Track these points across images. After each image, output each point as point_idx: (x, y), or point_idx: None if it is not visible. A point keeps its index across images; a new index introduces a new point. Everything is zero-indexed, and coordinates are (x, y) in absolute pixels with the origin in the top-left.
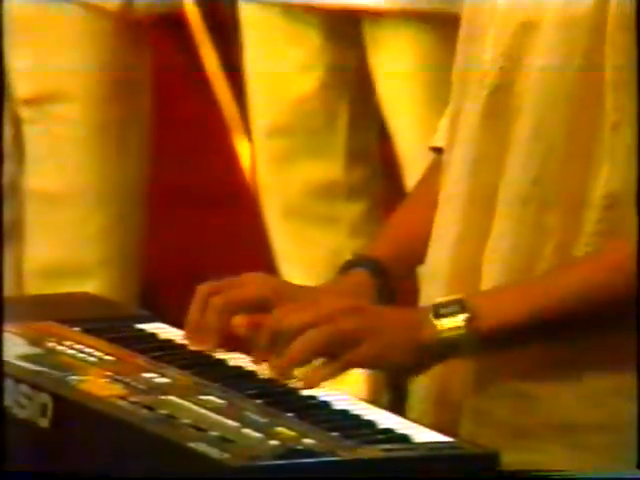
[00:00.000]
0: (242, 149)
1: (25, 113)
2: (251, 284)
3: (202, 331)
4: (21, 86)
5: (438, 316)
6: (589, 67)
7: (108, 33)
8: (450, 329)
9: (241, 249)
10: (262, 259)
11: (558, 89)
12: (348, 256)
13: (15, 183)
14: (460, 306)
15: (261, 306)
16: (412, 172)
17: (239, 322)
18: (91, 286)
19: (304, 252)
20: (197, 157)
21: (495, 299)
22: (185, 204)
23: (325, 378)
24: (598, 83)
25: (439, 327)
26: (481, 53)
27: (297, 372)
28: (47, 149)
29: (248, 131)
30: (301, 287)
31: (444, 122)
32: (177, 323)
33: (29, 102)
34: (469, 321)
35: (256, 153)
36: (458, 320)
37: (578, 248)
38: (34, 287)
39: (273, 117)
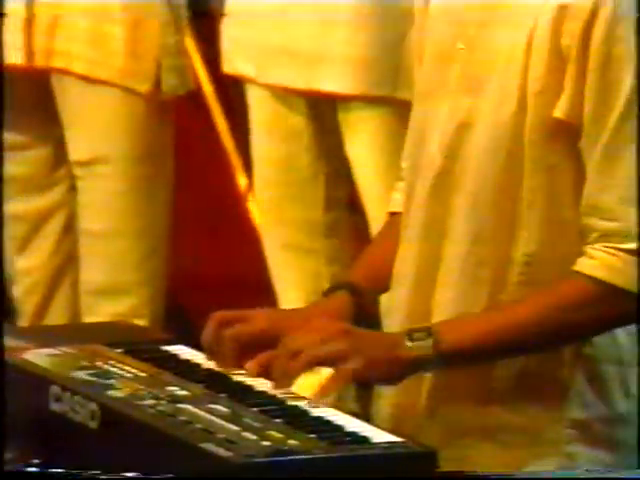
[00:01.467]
0: (248, 195)
1: (77, 172)
2: (258, 319)
3: (218, 356)
4: (74, 152)
5: (411, 340)
6: (512, 159)
7: (140, 109)
8: (420, 350)
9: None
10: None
11: (488, 174)
12: (326, 279)
13: (72, 223)
14: (428, 332)
15: (266, 339)
16: (375, 218)
17: (250, 366)
18: (128, 302)
19: (293, 275)
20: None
21: (456, 328)
22: (201, 234)
23: (325, 390)
24: (518, 171)
25: (411, 349)
26: (429, 144)
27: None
28: (93, 199)
29: (251, 182)
30: (297, 312)
31: (396, 194)
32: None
33: (80, 164)
34: (435, 344)
35: (257, 199)
36: (427, 344)
37: (506, 295)
38: (85, 303)
39: (270, 173)
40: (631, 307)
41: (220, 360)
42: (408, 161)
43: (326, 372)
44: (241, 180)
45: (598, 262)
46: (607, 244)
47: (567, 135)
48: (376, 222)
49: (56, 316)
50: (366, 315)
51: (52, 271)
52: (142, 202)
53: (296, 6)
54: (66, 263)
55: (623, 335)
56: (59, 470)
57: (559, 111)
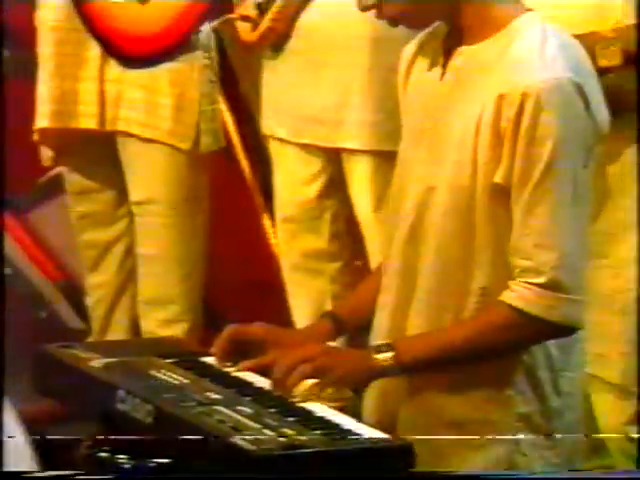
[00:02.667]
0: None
1: (134, 209)
2: (258, 327)
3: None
4: (132, 194)
5: (377, 353)
6: (467, 215)
7: (182, 162)
8: (383, 361)
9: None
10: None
11: (449, 227)
12: (329, 295)
13: (131, 249)
14: (389, 347)
15: (259, 343)
16: (372, 246)
17: (246, 365)
18: (173, 310)
19: (302, 292)
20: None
21: (411, 344)
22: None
23: (315, 393)
24: (472, 224)
25: (377, 360)
26: (405, 202)
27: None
28: (147, 230)
29: (273, 218)
30: (290, 331)
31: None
32: None
33: (137, 203)
34: (395, 357)
35: (277, 231)
36: (388, 356)
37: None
38: (141, 310)
39: (287, 211)
40: (541, 329)
41: (218, 355)
42: (390, 214)
43: (311, 381)
44: (265, 220)
45: (516, 294)
46: (524, 279)
47: (506, 195)
48: (373, 249)
49: (119, 320)
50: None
51: (116, 285)
52: (183, 233)
53: (316, 82)
54: (127, 279)
55: (554, 347)
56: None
57: (498, 177)
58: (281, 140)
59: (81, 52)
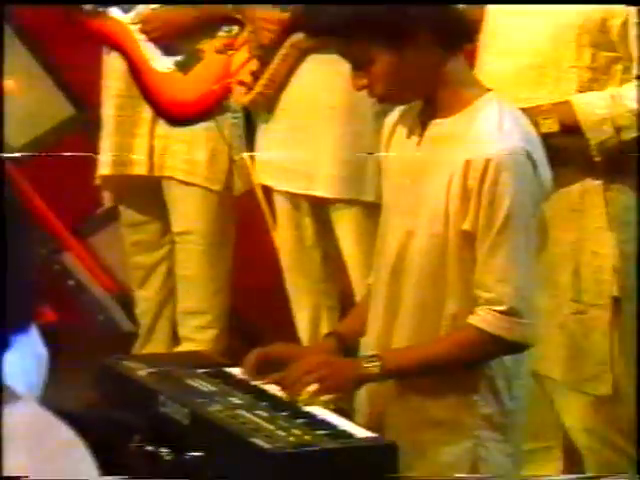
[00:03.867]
0: None
1: (175, 238)
2: (278, 346)
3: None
4: (173, 226)
5: (367, 362)
6: (440, 256)
7: (215, 201)
8: (372, 369)
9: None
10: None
11: (425, 266)
12: (324, 308)
13: (172, 270)
14: (377, 357)
15: (279, 360)
16: (354, 275)
17: (269, 379)
18: (205, 319)
19: (302, 304)
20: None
21: (395, 355)
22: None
23: (317, 397)
24: (444, 264)
25: (366, 368)
26: (389, 244)
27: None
28: (184, 255)
29: None
30: (302, 348)
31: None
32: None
33: (177, 234)
34: (381, 366)
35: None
36: (376, 365)
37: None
38: (179, 319)
39: (287, 246)
40: (501, 347)
41: (247, 372)
42: (376, 254)
43: (313, 387)
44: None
45: (481, 318)
46: (487, 307)
47: (471, 240)
48: (355, 277)
49: (161, 327)
50: (346, 353)
51: (159, 299)
52: (214, 258)
53: (296, 140)
54: (168, 294)
55: (509, 360)
56: None
57: (466, 225)
58: (270, 189)
59: (136, 114)
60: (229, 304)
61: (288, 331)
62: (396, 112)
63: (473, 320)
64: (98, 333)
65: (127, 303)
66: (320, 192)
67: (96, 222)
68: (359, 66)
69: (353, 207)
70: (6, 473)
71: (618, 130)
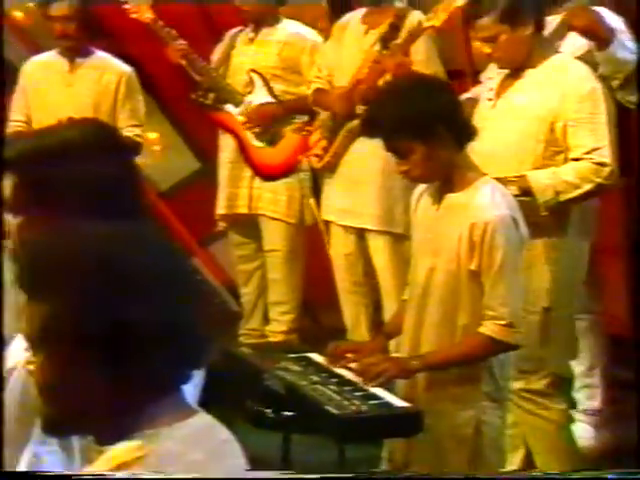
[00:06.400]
0: None
1: (266, 254)
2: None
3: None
4: (265, 245)
5: (412, 360)
6: (455, 286)
7: (293, 230)
8: (415, 365)
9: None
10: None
11: (445, 293)
12: (364, 306)
13: (265, 274)
14: (418, 357)
15: (354, 352)
16: (386, 293)
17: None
18: (286, 308)
19: (349, 303)
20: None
21: (430, 356)
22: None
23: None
24: (458, 292)
25: (412, 364)
26: (417, 276)
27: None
28: (272, 265)
29: None
30: (367, 343)
31: (405, 293)
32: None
33: (266, 251)
34: (421, 363)
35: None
36: (417, 362)
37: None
38: (269, 308)
39: (338, 263)
40: (500, 347)
41: (328, 358)
42: (409, 282)
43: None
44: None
45: (489, 329)
46: (493, 321)
47: (476, 276)
48: (384, 284)
49: (258, 312)
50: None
51: (256, 294)
52: (291, 267)
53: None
54: (262, 291)
55: (501, 355)
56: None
57: (472, 266)
58: (330, 222)
59: (240, 173)
60: (301, 297)
61: (338, 317)
62: (421, 186)
63: (483, 330)
64: (215, 311)
65: (235, 293)
66: (365, 225)
67: (213, 238)
68: (401, 157)
69: (386, 236)
70: (188, 469)
71: (557, 194)
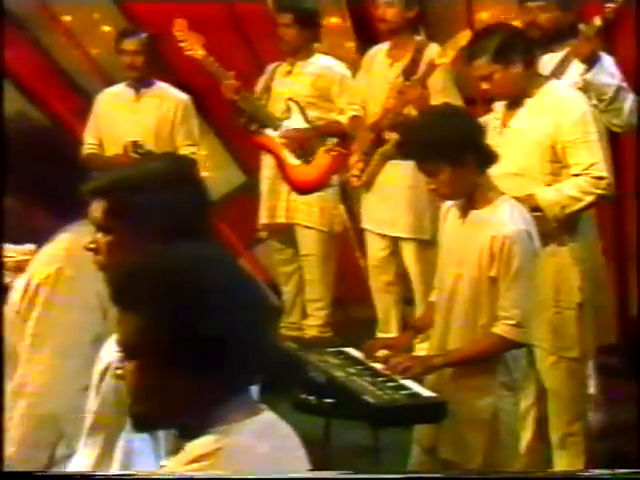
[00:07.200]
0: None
1: (301, 258)
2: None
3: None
4: (300, 250)
5: (436, 358)
6: (477, 291)
7: (325, 237)
8: (440, 362)
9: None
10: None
11: (468, 297)
12: (396, 304)
13: (302, 275)
14: (442, 355)
15: (388, 348)
16: (418, 291)
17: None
18: (321, 304)
19: (382, 301)
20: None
21: (452, 352)
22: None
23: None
24: (479, 296)
25: (438, 362)
26: (445, 282)
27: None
28: (307, 267)
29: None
30: (398, 338)
31: (433, 295)
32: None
33: (303, 255)
34: (444, 360)
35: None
36: (441, 359)
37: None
38: (307, 304)
39: (373, 264)
40: (512, 344)
41: (365, 354)
42: (437, 287)
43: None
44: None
45: (501, 329)
46: (505, 321)
47: (495, 282)
48: (415, 283)
49: (297, 308)
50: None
51: (295, 292)
52: (325, 268)
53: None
54: (300, 290)
55: (514, 351)
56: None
57: (492, 273)
58: (367, 230)
59: (279, 188)
60: (334, 295)
61: (367, 311)
62: (450, 202)
63: (496, 330)
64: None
65: (276, 291)
66: (397, 233)
67: (256, 242)
68: (431, 176)
69: (416, 242)
70: (257, 460)
71: (563, 207)
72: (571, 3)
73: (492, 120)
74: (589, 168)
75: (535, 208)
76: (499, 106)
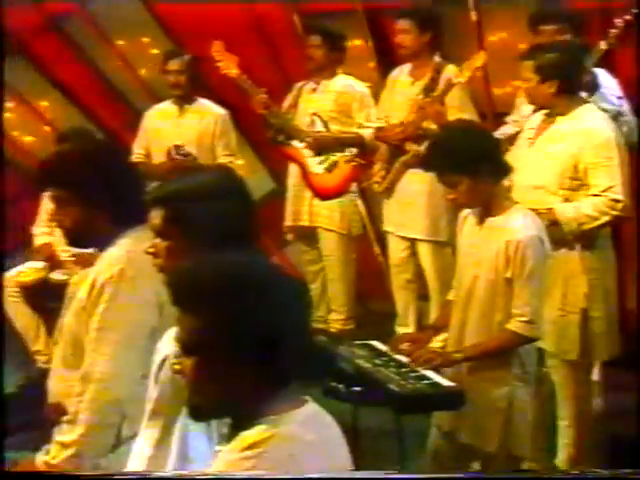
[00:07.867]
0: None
1: (324, 258)
2: (413, 334)
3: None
4: (322, 251)
5: (455, 353)
6: (493, 291)
7: (345, 240)
8: (457, 357)
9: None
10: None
11: (485, 296)
12: (413, 300)
13: (324, 275)
14: (460, 350)
15: (411, 342)
16: (433, 289)
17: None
18: (342, 301)
19: (402, 298)
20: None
21: (469, 349)
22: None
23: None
24: (495, 295)
25: (456, 357)
26: (463, 282)
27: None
28: (329, 267)
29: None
30: (421, 335)
31: (450, 294)
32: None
33: (325, 256)
34: (462, 355)
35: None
36: (460, 354)
37: (492, 335)
38: (329, 301)
39: (393, 263)
40: (525, 340)
41: (391, 346)
42: (455, 287)
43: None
44: (383, 264)
45: (514, 325)
46: (518, 318)
47: (510, 282)
48: (431, 282)
49: (323, 303)
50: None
51: (321, 289)
52: (345, 268)
53: (402, 208)
54: (324, 288)
55: (527, 346)
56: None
57: (508, 274)
58: (388, 232)
59: (303, 194)
60: (356, 291)
61: (385, 305)
62: (468, 210)
63: (510, 326)
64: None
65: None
66: (416, 235)
67: (286, 243)
68: (450, 187)
69: (432, 243)
70: (304, 447)
71: (580, 224)
72: (582, 27)
73: (526, 131)
74: (607, 190)
75: (553, 222)
76: (536, 118)
